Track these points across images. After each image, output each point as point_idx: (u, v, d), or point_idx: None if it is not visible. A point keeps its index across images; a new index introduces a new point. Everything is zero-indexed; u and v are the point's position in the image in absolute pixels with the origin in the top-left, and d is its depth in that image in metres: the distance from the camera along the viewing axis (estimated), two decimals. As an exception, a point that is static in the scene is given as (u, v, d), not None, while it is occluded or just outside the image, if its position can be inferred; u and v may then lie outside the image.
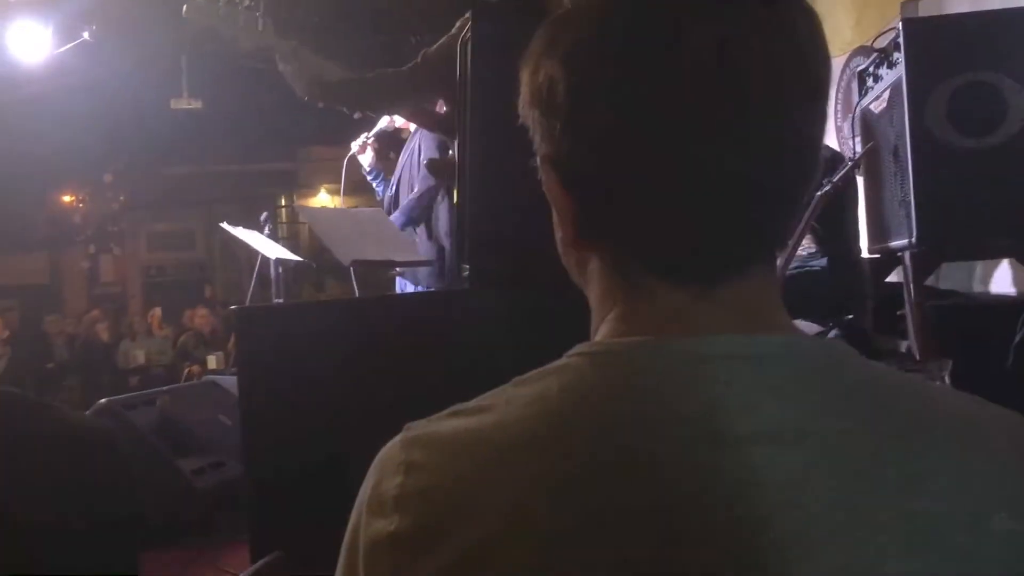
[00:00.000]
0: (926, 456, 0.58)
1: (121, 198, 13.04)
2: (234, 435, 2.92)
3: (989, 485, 0.58)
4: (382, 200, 4.19)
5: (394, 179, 4.07)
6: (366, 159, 4.15)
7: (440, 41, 2.60)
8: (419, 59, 2.64)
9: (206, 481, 2.72)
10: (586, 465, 0.57)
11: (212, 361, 8.42)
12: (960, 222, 2.49)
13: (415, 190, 3.75)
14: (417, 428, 0.64)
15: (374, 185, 4.31)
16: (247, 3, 2.77)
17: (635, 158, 0.60)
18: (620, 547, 0.55)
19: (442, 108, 3.28)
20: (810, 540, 0.54)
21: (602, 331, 0.65)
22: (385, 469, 0.63)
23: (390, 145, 4.23)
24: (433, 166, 2.91)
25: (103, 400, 2.75)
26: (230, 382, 3.54)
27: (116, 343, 9.53)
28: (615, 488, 0.56)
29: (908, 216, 2.59)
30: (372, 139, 4.12)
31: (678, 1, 0.60)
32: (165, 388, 3.31)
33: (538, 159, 0.66)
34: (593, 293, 0.68)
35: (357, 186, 4.44)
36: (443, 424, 0.63)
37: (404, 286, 3.66)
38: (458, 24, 2.61)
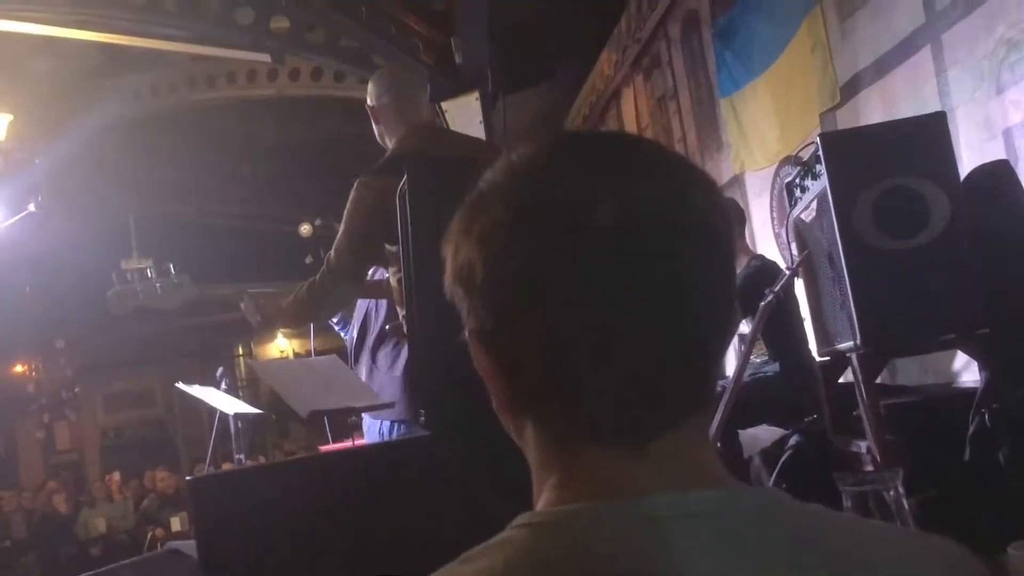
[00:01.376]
0: None
1: (75, 363, 12.86)
2: (200, 604, 2.83)
3: None
4: (349, 344, 4.22)
5: (356, 321, 4.11)
6: None
7: (338, 235, 2.64)
8: (325, 263, 2.68)
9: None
10: None
11: (176, 523, 8.17)
12: (901, 321, 2.56)
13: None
14: None
15: (342, 335, 4.35)
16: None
17: (551, 331, 0.63)
18: None
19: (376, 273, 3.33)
20: None
21: (543, 499, 0.66)
22: None
23: None
24: (396, 330, 2.95)
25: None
26: (193, 548, 3.45)
27: (75, 513, 9.22)
28: None
29: (850, 319, 2.65)
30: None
31: (579, 182, 0.64)
32: (127, 562, 3.21)
33: (466, 332, 0.69)
34: (531, 458, 0.69)
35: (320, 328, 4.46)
36: None
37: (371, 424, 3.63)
38: (349, 204, 2.60)
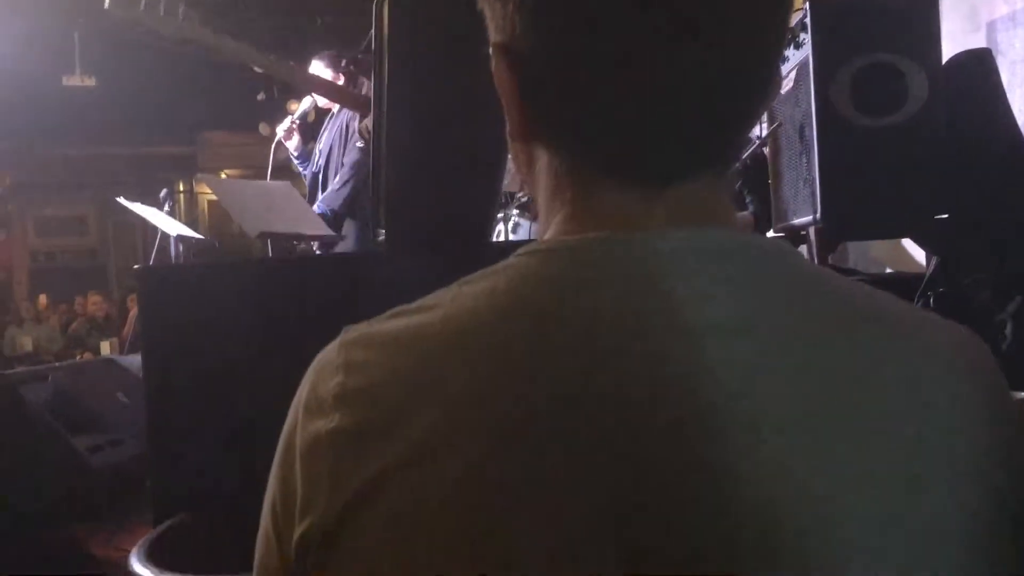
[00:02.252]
0: (875, 348, 0.58)
1: (7, 180, 12.43)
2: (133, 413, 2.81)
3: (935, 380, 0.59)
4: (307, 181, 4.17)
5: (320, 156, 4.04)
6: (292, 144, 4.15)
7: None
8: None
9: (104, 459, 2.61)
10: (537, 352, 0.55)
11: (106, 347, 8.10)
12: (863, 200, 2.57)
13: (343, 168, 3.73)
14: (356, 330, 0.61)
15: (301, 171, 4.27)
16: None
17: (589, 47, 0.58)
18: (573, 431, 0.53)
19: (366, 89, 3.25)
20: (761, 428, 0.54)
21: (550, 232, 0.64)
22: (323, 371, 0.60)
23: (315, 128, 4.24)
24: (368, 131, 2.89)
25: (-9, 374, 2.61)
26: (128, 361, 3.42)
27: (1, 330, 9.09)
28: (567, 373, 0.54)
29: (812, 194, 2.65)
30: (297, 122, 4.10)
31: None
32: (59, 364, 3.17)
33: (490, 48, 0.64)
34: (541, 193, 0.66)
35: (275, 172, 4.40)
36: (384, 324, 0.60)
37: None
38: None
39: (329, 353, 0.61)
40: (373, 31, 2.07)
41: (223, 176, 13.27)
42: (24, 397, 2.57)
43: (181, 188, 13.86)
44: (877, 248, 3.57)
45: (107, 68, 8.66)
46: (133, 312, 7.79)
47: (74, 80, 8.58)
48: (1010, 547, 0.58)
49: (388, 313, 0.61)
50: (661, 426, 0.53)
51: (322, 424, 0.57)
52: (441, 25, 1.96)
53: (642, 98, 0.58)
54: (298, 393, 0.61)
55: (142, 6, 2.68)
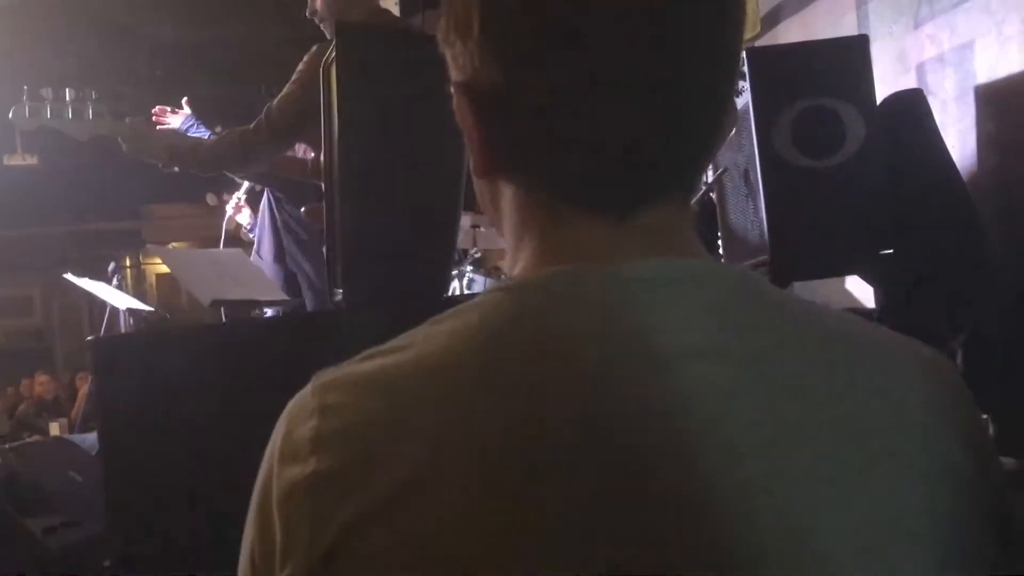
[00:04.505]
0: (845, 366, 0.60)
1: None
2: (88, 492, 2.74)
3: (905, 393, 0.60)
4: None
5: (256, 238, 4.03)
6: (244, 217, 4.14)
7: (284, 90, 2.62)
8: (264, 112, 2.63)
9: (59, 541, 2.53)
10: (514, 385, 0.55)
11: (55, 429, 7.88)
12: (810, 240, 2.63)
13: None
14: (328, 374, 0.61)
15: (250, 236, 4.25)
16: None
17: (547, 76, 0.59)
18: (554, 461, 0.53)
19: (307, 153, 3.24)
20: (742, 450, 0.55)
21: (519, 267, 0.64)
22: (296, 417, 0.59)
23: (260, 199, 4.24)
24: (314, 212, 2.87)
25: (-62, 460, 2.53)
26: (80, 439, 3.34)
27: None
28: (547, 404, 0.55)
29: (761, 235, 2.71)
30: (243, 199, 4.10)
31: None
32: (8, 446, 3.08)
33: (451, 88, 0.65)
34: (507, 228, 0.66)
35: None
36: (357, 366, 0.60)
37: None
38: (302, 64, 2.61)
39: (302, 398, 0.60)
40: (321, 96, 2.08)
41: (171, 245, 13.16)
42: (-30, 481, 2.50)
43: (128, 263, 13.69)
44: (825, 287, 3.63)
45: (47, 146, 8.58)
46: (82, 391, 7.63)
47: (16, 159, 8.48)
48: (990, 546, 0.60)
49: (360, 355, 0.61)
50: (643, 452, 0.54)
51: (299, 470, 0.56)
52: (389, 85, 1.98)
53: (600, 127, 0.59)
54: (271, 442, 0.60)
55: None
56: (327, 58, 2.06)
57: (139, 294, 12.77)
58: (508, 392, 0.55)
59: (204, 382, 1.79)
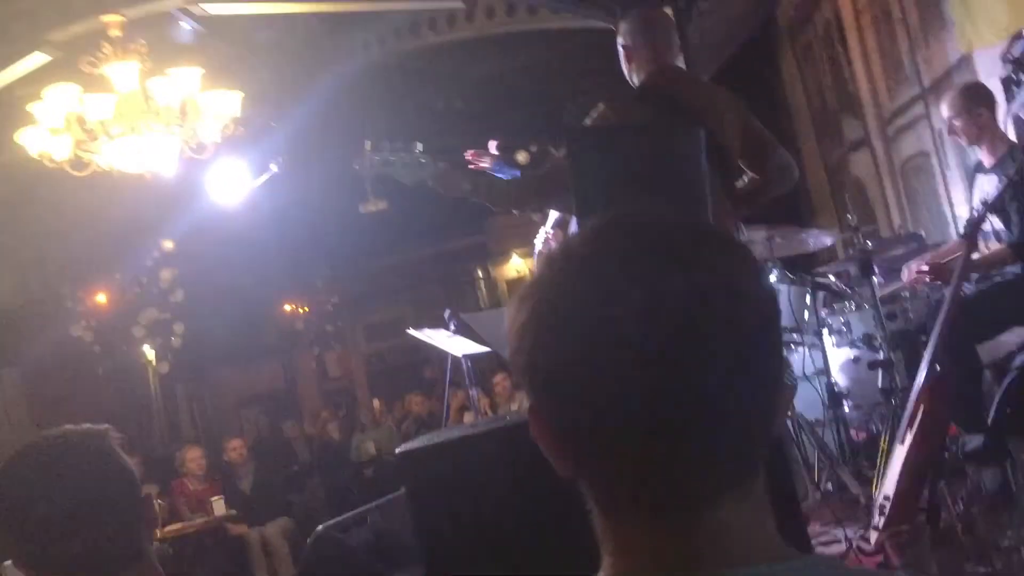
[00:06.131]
0: None
1: (334, 299, 13.95)
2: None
3: None
4: None
5: None
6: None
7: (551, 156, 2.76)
8: (549, 165, 2.80)
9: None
10: None
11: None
12: None
13: None
14: None
15: None
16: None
17: (589, 417, 0.68)
18: None
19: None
20: None
21: (604, 564, 0.72)
22: None
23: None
24: None
25: (319, 528, 3.00)
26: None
27: (348, 438, 10.10)
28: None
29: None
30: (552, 232, 4.33)
31: (605, 277, 0.68)
32: (375, 503, 3.55)
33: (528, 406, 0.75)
34: (596, 525, 0.74)
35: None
36: None
37: None
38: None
39: None
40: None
41: (514, 254, 14.02)
42: (345, 543, 2.93)
43: (480, 274, 14.79)
44: None
45: (393, 190, 9.53)
46: (454, 405, 8.38)
47: (369, 206, 9.48)
48: None
49: None
50: None
51: None
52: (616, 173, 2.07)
53: (657, 439, 0.67)
54: None
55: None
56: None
57: (493, 301, 13.76)
58: None
59: (503, 479, 1.97)
